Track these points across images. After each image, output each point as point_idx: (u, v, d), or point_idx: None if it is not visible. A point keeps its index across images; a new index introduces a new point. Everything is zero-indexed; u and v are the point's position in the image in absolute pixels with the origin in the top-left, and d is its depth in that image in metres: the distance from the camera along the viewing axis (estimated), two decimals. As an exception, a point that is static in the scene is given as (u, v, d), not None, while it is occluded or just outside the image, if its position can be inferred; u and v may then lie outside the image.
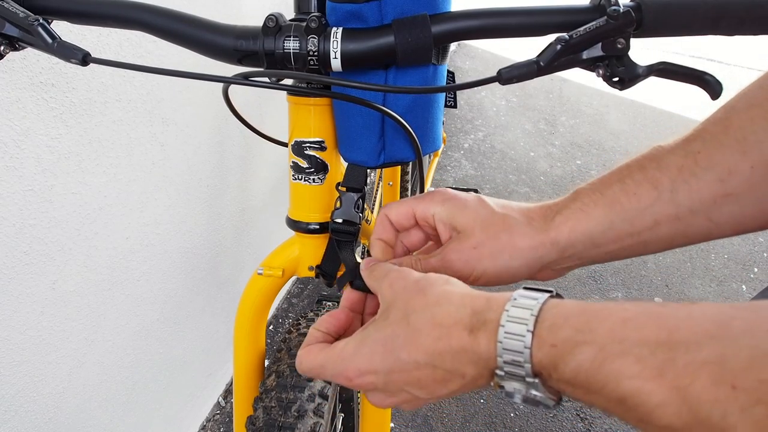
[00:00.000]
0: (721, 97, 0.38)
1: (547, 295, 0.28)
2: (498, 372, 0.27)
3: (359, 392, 0.75)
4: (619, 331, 0.23)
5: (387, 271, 0.35)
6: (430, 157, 1.66)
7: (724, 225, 0.32)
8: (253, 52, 0.41)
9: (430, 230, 0.41)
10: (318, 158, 0.51)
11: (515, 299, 0.27)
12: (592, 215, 0.35)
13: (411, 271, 0.34)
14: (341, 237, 0.51)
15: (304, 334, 0.60)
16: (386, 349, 0.30)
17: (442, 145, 0.84)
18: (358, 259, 0.42)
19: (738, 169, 0.31)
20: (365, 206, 0.54)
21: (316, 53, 0.40)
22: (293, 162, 0.52)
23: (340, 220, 0.50)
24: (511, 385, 0.27)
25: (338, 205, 0.50)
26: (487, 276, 0.37)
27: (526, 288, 0.29)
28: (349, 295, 0.41)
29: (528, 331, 0.25)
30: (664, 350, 0.21)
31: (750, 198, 0.31)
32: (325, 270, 0.55)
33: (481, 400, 1.41)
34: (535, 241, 0.36)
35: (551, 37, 0.38)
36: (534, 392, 0.26)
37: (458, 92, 1.73)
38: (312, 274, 0.56)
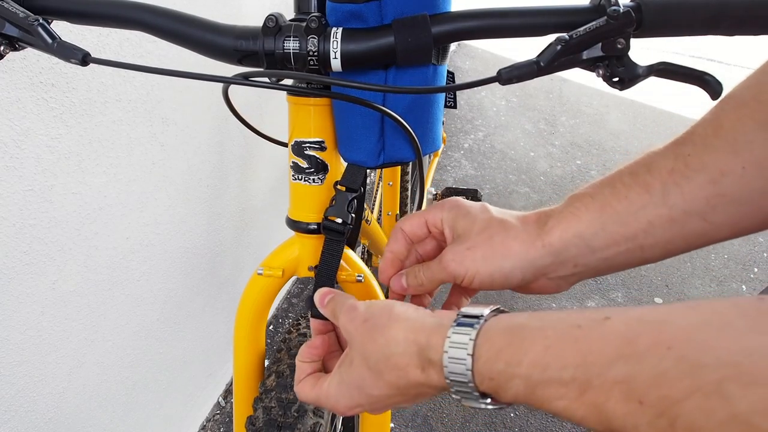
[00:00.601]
0: (720, 97, 0.38)
1: (479, 324, 0.29)
2: (455, 396, 0.30)
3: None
4: (542, 359, 0.26)
5: (339, 307, 0.38)
6: (430, 157, 1.66)
7: (720, 226, 0.32)
8: (253, 53, 0.41)
9: (440, 237, 0.42)
10: (318, 158, 0.51)
11: (449, 337, 0.30)
12: (582, 218, 0.35)
13: (356, 308, 0.36)
14: (332, 235, 0.51)
15: (304, 335, 0.60)
16: (360, 391, 0.35)
17: (442, 145, 0.84)
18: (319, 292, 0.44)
19: (730, 170, 0.31)
20: (365, 206, 0.54)
21: (316, 53, 0.40)
22: (293, 162, 0.52)
23: (331, 218, 0.50)
24: (469, 404, 0.30)
25: (332, 203, 0.50)
26: (480, 277, 0.37)
27: (463, 315, 0.31)
28: (314, 323, 0.45)
29: (467, 370, 0.28)
30: (581, 372, 0.24)
31: (744, 198, 0.31)
32: (324, 271, 0.55)
33: (481, 400, 1.41)
34: (527, 243, 0.36)
35: (551, 37, 0.38)
36: (491, 407, 0.29)
37: (458, 92, 1.73)
38: (312, 274, 0.56)
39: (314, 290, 0.46)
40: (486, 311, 0.30)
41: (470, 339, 0.29)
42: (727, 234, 0.33)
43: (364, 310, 0.36)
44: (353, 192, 0.50)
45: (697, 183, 0.32)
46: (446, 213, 0.41)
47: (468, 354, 0.28)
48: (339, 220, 0.50)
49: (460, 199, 0.42)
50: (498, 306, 0.31)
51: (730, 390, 0.19)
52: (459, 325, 0.30)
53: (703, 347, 0.21)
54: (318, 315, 0.42)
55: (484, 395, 0.29)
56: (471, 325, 0.29)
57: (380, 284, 0.52)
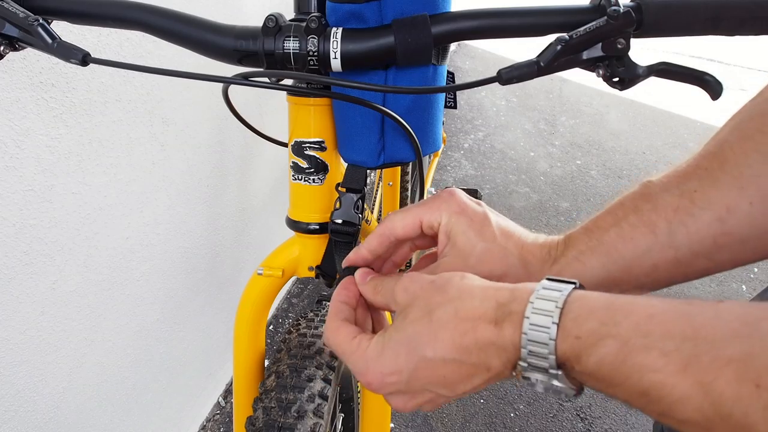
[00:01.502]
0: (720, 97, 0.38)
1: (572, 286, 0.27)
2: (521, 363, 0.27)
3: (359, 392, 0.75)
4: (644, 325, 0.23)
5: (396, 278, 0.35)
6: (430, 157, 1.66)
7: (724, 264, 0.32)
8: (253, 53, 0.41)
9: (432, 234, 0.40)
10: (318, 158, 0.51)
11: (540, 290, 0.27)
12: (588, 265, 0.34)
13: (422, 274, 0.33)
14: (340, 238, 0.51)
15: (304, 335, 0.60)
16: (410, 349, 0.30)
17: (442, 146, 0.84)
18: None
19: (736, 206, 0.30)
20: (365, 206, 0.54)
21: (315, 53, 0.40)
22: (293, 162, 0.52)
23: (339, 221, 0.50)
24: (534, 376, 0.27)
25: (338, 206, 0.50)
26: None
27: (549, 279, 0.28)
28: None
29: (553, 323, 0.26)
30: (690, 346, 0.21)
31: (750, 234, 0.30)
32: (325, 270, 0.55)
33: (481, 400, 1.41)
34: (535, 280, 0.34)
35: (551, 38, 0.38)
36: (556, 383, 0.26)
37: (458, 92, 1.73)
38: (312, 274, 0.56)
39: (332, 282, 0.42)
40: (576, 282, 0.28)
41: (561, 294, 0.26)
42: (727, 267, 0.32)
43: (431, 275, 0.33)
44: (357, 192, 0.50)
45: (703, 221, 0.31)
46: (445, 218, 0.38)
47: (557, 306, 0.26)
48: (339, 221, 0.50)
49: (462, 199, 0.39)
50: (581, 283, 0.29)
51: None
52: (550, 280, 0.28)
53: None
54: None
55: (557, 366, 0.26)
56: (564, 282, 0.28)
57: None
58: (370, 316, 0.39)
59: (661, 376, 0.22)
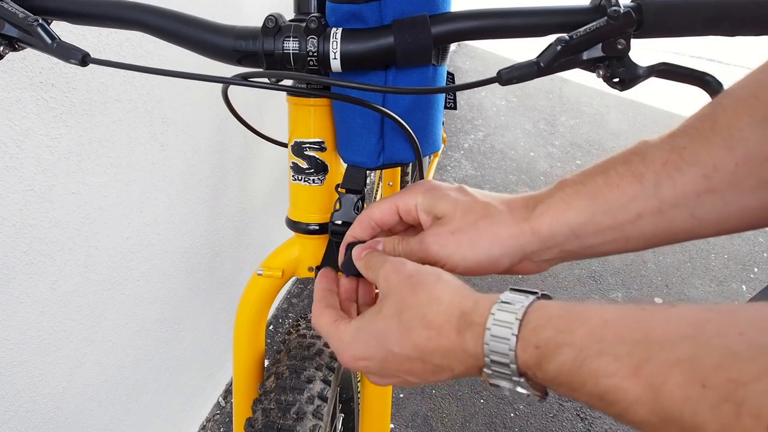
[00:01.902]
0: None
1: (533, 297, 0.28)
2: (486, 371, 0.28)
3: (359, 393, 0.75)
4: (598, 331, 0.24)
5: (382, 262, 0.36)
6: (430, 157, 1.66)
7: (707, 222, 0.32)
8: (253, 53, 0.41)
9: (414, 223, 0.41)
10: (318, 159, 0.51)
11: (501, 302, 0.28)
12: (573, 206, 0.35)
13: (405, 264, 0.35)
14: (340, 239, 0.51)
15: (304, 336, 0.60)
16: (379, 343, 0.32)
17: (442, 146, 0.84)
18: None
19: (722, 165, 0.31)
20: (365, 207, 0.54)
21: (315, 54, 0.40)
22: (293, 162, 0.52)
23: (339, 222, 0.50)
24: (499, 383, 0.28)
25: (338, 207, 0.50)
26: (466, 263, 0.36)
27: (512, 289, 0.30)
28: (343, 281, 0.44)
29: (513, 334, 0.27)
30: (641, 349, 0.22)
31: (734, 194, 0.31)
32: (325, 270, 0.55)
33: (481, 401, 1.41)
34: (516, 229, 0.36)
35: (551, 38, 0.38)
36: (520, 389, 0.27)
37: (458, 93, 1.73)
38: (312, 274, 0.56)
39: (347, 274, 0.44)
40: (538, 292, 0.29)
41: (522, 305, 0.28)
42: (711, 231, 0.33)
43: (411, 266, 0.34)
44: (356, 193, 0.50)
45: (689, 176, 0.32)
46: (421, 197, 0.39)
47: (516, 318, 0.27)
48: (339, 222, 0.50)
49: (434, 181, 0.41)
50: (545, 292, 0.31)
51: None
52: (512, 290, 0.29)
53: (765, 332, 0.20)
54: (352, 272, 0.41)
55: (519, 374, 0.27)
56: (524, 293, 0.29)
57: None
58: (355, 298, 0.43)
59: (614, 380, 0.22)
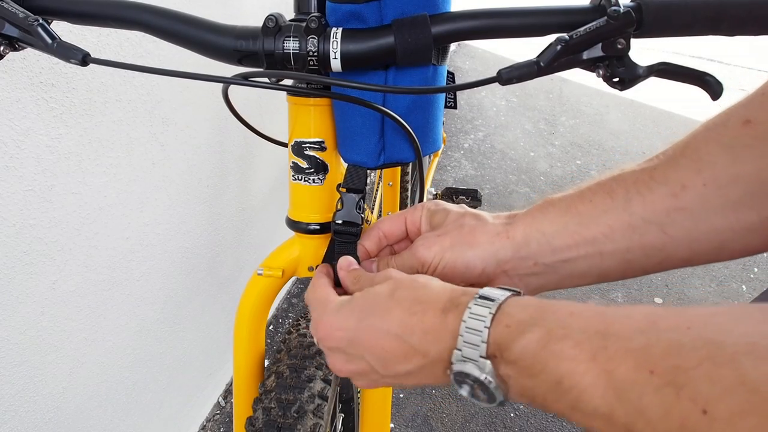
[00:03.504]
0: (721, 97, 0.38)
1: (515, 292, 0.31)
2: (456, 352, 0.29)
3: (359, 393, 0.75)
4: (564, 319, 0.26)
5: (375, 275, 0.38)
6: (430, 157, 1.66)
7: (678, 240, 0.34)
8: (253, 53, 0.41)
9: (416, 237, 0.43)
10: (318, 158, 0.51)
11: (486, 290, 0.31)
12: (548, 216, 0.37)
13: (394, 271, 0.37)
14: (343, 238, 0.51)
15: (304, 335, 0.60)
16: (363, 313, 0.33)
17: (442, 146, 0.84)
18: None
19: (691, 185, 0.33)
20: (365, 206, 0.54)
21: (315, 53, 0.40)
22: (293, 162, 0.52)
23: (342, 222, 0.50)
24: (464, 367, 0.29)
25: (339, 206, 0.50)
26: (444, 263, 0.38)
27: (500, 287, 0.31)
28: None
29: (490, 313, 0.28)
30: (600, 338, 0.24)
31: (702, 213, 0.33)
32: (325, 270, 0.55)
33: (481, 400, 1.41)
34: (492, 234, 0.38)
35: (551, 38, 0.38)
36: (483, 376, 0.28)
37: (458, 92, 1.73)
38: (312, 274, 0.56)
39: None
40: (521, 291, 0.31)
41: (504, 294, 0.30)
42: (683, 250, 0.34)
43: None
44: (358, 192, 0.50)
45: (658, 194, 0.34)
46: (425, 210, 0.43)
47: (497, 303, 0.29)
48: (342, 221, 0.50)
49: (441, 201, 0.44)
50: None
51: (743, 361, 0.19)
52: (500, 288, 0.31)
53: (722, 329, 0.21)
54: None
55: (487, 356, 0.28)
56: (509, 290, 0.31)
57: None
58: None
59: (573, 363, 0.24)
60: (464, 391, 0.29)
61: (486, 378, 0.28)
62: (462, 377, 0.29)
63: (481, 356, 0.28)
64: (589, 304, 0.27)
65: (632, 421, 0.22)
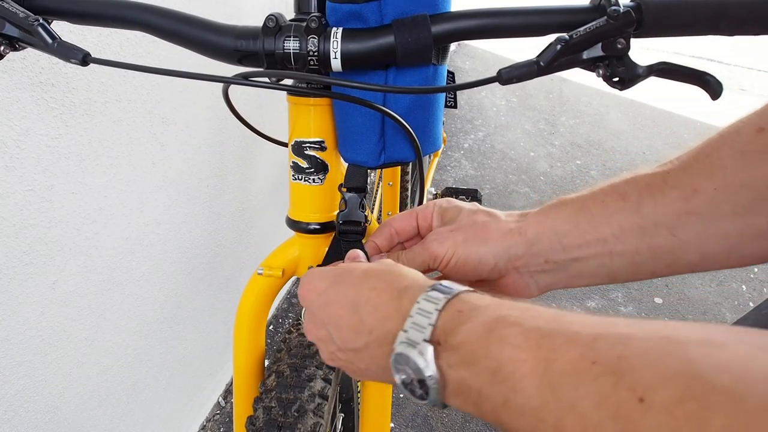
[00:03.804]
0: (720, 96, 0.38)
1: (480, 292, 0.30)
2: (400, 335, 0.28)
3: (359, 393, 0.75)
4: (520, 312, 0.26)
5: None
6: (430, 157, 1.66)
7: (687, 243, 0.34)
8: (253, 53, 0.41)
9: (427, 233, 0.43)
10: (318, 158, 0.51)
11: (452, 281, 0.30)
12: (560, 214, 0.37)
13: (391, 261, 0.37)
14: (348, 238, 0.51)
15: (304, 335, 0.60)
16: (335, 281, 0.34)
17: (442, 145, 0.84)
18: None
19: (702, 189, 0.33)
20: (365, 206, 0.54)
21: (316, 53, 0.40)
22: (293, 162, 0.52)
23: (346, 221, 0.50)
24: (405, 349, 0.27)
25: (343, 206, 0.50)
26: (456, 258, 0.38)
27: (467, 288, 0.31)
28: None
29: (445, 297, 0.28)
30: (548, 329, 0.24)
31: (712, 218, 0.33)
32: (326, 270, 0.55)
33: (481, 400, 1.41)
34: (506, 231, 0.38)
35: (551, 37, 0.38)
36: (423, 361, 0.26)
37: (458, 92, 1.73)
38: (312, 274, 0.56)
39: None
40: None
41: (465, 288, 0.29)
42: (693, 256, 0.34)
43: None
44: (360, 192, 0.50)
45: (670, 197, 0.34)
46: (437, 206, 0.43)
47: (457, 289, 0.29)
48: (347, 221, 0.50)
49: (453, 198, 0.44)
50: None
51: (692, 350, 0.19)
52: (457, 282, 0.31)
53: (678, 329, 0.21)
54: None
55: (431, 341, 0.27)
56: (468, 287, 0.30)
57: None
58: None
59: (516, 351, 0.23)
60: (399, 379, 0.28)
61: (425, 366, 0.26)
62: (401, 362, 0.27)
63: (424, 339, 0.27)
64: (549, 307, 0.26)
65: (562, 416, 0.21)
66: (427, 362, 0.26)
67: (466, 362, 0.25)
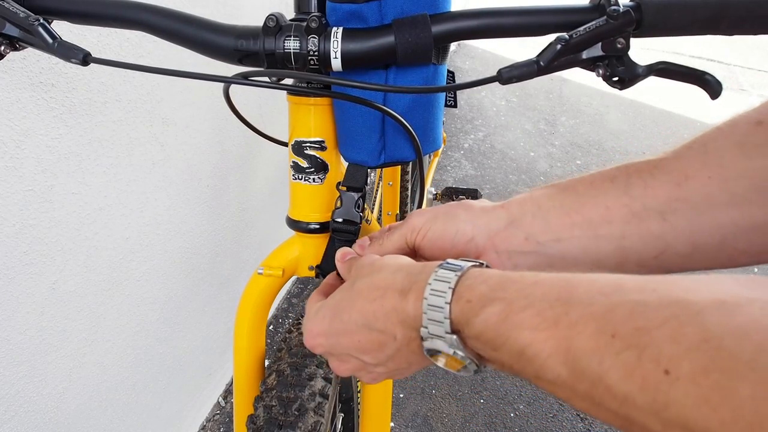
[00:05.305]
0: (720, 96, 0.38)
1: (476, 262, 0.30)
2: (423, 330, 0.29)
3: (359, 392, 0.75)
4: (527, 289, 0.25)
5: (356, 262, 0.38)
6: (430, 156, 1.66)
7: (678, 230, 0.33)
8: (254, 52, 0.41)
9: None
10: (318, 158, 0.51)
11: (445, 264, 0.30)
12: (546, 192, 0.37)
13: (373, 256, 0.37)
14: (341, 236, 0.51)
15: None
16: (334, 314, 0.34)
17: (442, 145, 0.84)
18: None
19: (695, 176, 0.32)
20: (365, 206, 0.54)
21: (316, 53, 0.40)
22: (293, 162, 0.52)
23: (340, 220, 0.50)
24: (434, 344, 0.28)
25: (338, 204, 0.50)
26: (435, 228, 0.38)
27: (461, 259, 0.31)
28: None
29: (449, 288, 0.28)
30: (561, 304, 0.23)
31: (705, 206, 0.32)
32: (326, 270, 0.55)
33: (481, 401, 1.41)
34: (489, 206, 0.38)
35: (551, 37, 0.38)
36: (455, 351, 0.28)
37: (458, 92, 1.73)
38: (312, 274, 0.56)
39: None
40: (484, 263, 0.31)
41: (463, 267, 0.29)
42: (684, 247, 0.33)
43: (378, 257, 0.36)
44: (357, 191, 0.50)
45: (660, 181, 0.33)
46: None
47: (456, 275, 0.28)
48: (341, 219, 0.50)
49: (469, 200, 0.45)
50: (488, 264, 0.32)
51: (708, 318, 0.19)
52: (460, 259, 0.31)
53: (690, 288, 0.21)
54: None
55: (452, 331, 0.28)
56: (470, 261, 0.30)
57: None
58: None
59: (535, 333, 0.23)
60: (441, 364, 0.29)
61: (455, 352, 0.28)
62: (434, 353, 0.29)
63: (446, 332, 0.28)
64: (555, 273, 0.26)
65: (592, 388, 0.21)
66: (456, 349, 0.27)
67: (490, 347, 0.26)
